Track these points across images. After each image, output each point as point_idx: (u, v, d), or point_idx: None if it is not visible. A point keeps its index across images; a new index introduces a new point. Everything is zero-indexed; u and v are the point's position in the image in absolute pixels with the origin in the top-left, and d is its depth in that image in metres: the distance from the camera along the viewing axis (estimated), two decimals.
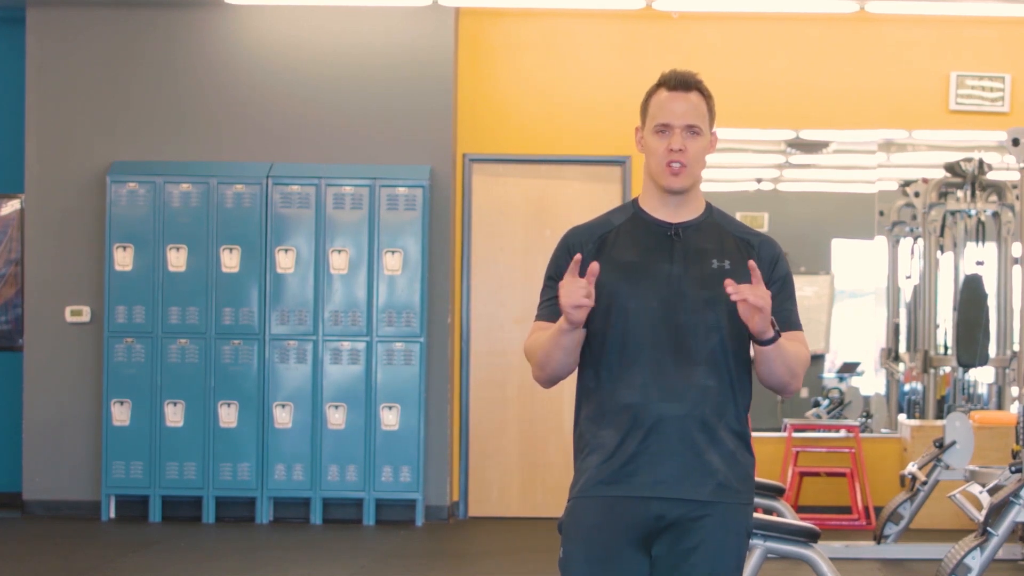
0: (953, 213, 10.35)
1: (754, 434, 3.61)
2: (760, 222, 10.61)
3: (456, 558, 8.84)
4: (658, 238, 3.57)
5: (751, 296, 3.36)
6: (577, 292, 3.37)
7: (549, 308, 3.57)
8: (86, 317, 10.03)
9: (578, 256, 3.41)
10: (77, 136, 10.08)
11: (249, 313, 9.79)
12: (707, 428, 3.49)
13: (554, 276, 3.59)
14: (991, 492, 6.72)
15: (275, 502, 9.85)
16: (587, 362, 3.57)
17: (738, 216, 3.75)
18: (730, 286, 3.36)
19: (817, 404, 10.41)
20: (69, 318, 10.04)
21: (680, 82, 3.56)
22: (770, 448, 10.11)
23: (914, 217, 10.56)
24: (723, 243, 3.58)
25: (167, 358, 9.77)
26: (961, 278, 10.27)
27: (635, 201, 3.66)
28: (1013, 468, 6.81)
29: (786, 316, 3.58)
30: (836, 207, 10.94)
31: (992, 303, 10.19)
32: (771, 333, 3.43)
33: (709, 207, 3.65)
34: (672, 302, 3.50)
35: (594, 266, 3.40)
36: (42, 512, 10.02)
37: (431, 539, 9.45)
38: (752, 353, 3.55)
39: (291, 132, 10.09)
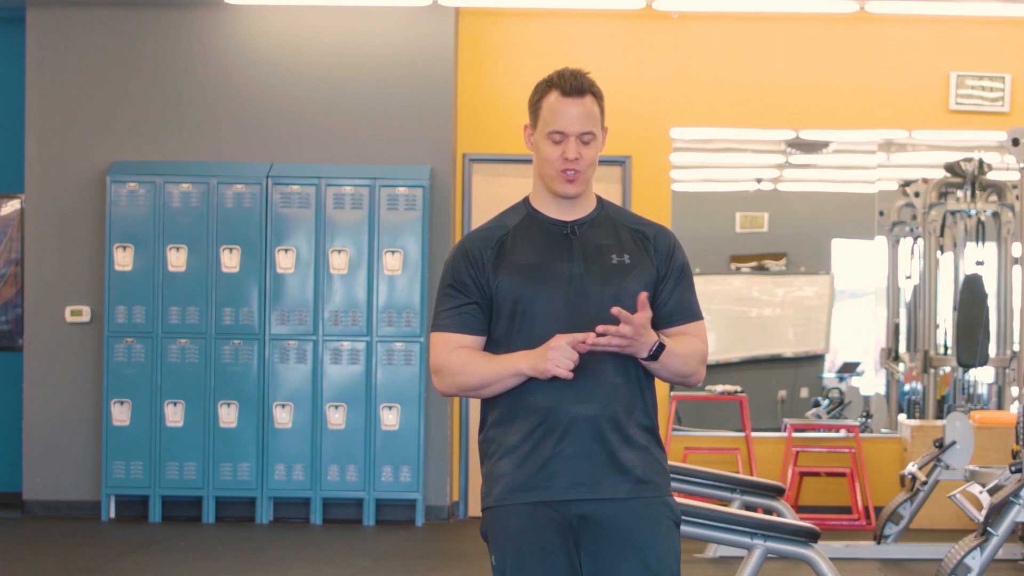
0: (953, 213, 10.35)
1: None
2: (760, 222, 10.61)
3: (456, 558, 8.84)
4: (555, 237, 3.55)
5: (617, 340, 3.37)
6: (571, 362, 3.38)
7: (458, 318, 3.55)
8: (86, 317, 10.03)
9: (582, 342, 3.38)
10: (77, 136, 10.08)
11: (249, 313, 9.79)
12: (618, 426, 3.48)
13: (454, 284, 3.57)
14: (991, 492, 6.72)
15: (275, 502, 9.85)
16: None
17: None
18: (609, 342, 3.37)
19: (817, 404, 10.40)
20: (69, 318, 10.04)
21: (574, 88, 3.54)
22: (770, 448, 10.11)
23: (914, 217, 10.56)
24: (620, 237, 3.56)
25: (167, 358, 9.77)
26: (961, 278, 10.27)
27: (527, 200, 3.62)
28: (1013, 468, 6.81)
29: (685, 307, 3.58)
30: (836, 207, 10.93)
31: (992, 303, 10.19)
32: (648, 352, 3.44)
33: (600, 201, 3.63)
34: (576, 301, 3.48)
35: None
36: (42, 512, 10.02)
37: (431, 539, 9.45)
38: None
39: (291, 132, 10.09)
